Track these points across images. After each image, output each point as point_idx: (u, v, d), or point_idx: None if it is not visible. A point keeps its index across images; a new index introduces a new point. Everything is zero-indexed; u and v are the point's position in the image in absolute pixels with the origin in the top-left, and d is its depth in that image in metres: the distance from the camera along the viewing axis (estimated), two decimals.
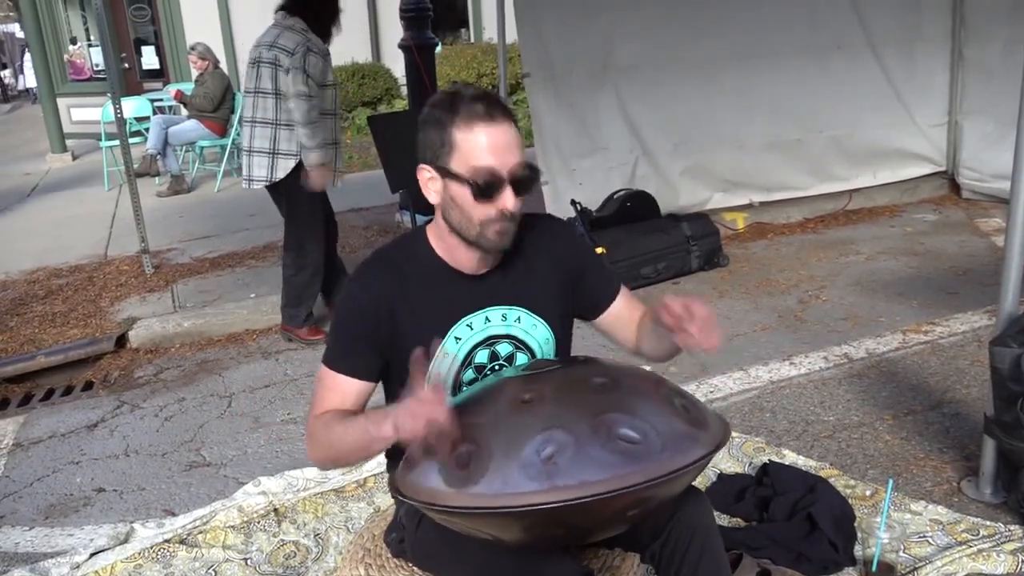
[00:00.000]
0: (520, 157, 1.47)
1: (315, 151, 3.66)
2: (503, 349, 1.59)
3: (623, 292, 1.72)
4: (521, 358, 1.61)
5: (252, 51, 3.75)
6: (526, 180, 1.48)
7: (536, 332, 1.62)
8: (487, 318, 1.57)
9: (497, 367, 1.60)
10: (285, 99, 3.63)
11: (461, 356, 1.56)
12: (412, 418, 1.30)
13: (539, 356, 1.62)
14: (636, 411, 1.29)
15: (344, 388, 1.54)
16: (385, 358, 1.57)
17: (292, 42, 3.60)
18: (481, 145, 1.43)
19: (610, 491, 1.20)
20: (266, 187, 3.85)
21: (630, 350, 1.72)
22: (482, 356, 1.58)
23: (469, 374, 1.58)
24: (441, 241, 1.57)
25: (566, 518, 1.26)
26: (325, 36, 3.75)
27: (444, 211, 1.51)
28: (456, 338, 1.55)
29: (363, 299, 1.54)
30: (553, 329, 1.64)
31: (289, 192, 3.83)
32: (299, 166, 3.74)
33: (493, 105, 1.45)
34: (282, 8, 3.75)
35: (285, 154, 3.71)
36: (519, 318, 1.60)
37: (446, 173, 1.46)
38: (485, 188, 1.44)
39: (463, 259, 1.56)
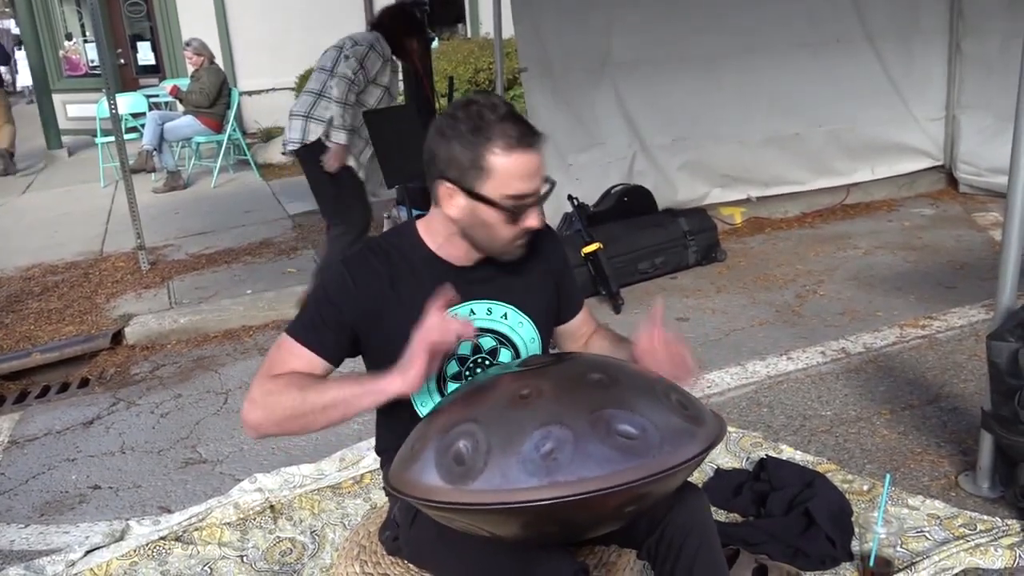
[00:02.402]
0: (544, 173, 1.49)
1: (342, 132, 3.95)
2: (486, 343, 1.60)
3: (584, 307, 1.79)
4: (504, 354, 1.61)
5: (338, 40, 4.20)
6: (546, 195, 1.51)
7: (522, 330, 1.63)
8: (472, 310, 1.58)
9: (480, 360, 1.60)
10: (332, 77, 4.00)
11: None
12: (439, 332, 1.37)
13: (523, 353, 1.63)
14: (634, 407, 1.28)
15: (308, 358, 1.52)
16: (362, 347, 1.57)
17: (363, 38, 4.08)
18: (519, 174, 1.44)
19: (610, 486, 1.19)
20: (296, 154, 4.09)
21: None
22: (465, 348, 1.58)
23: (452, 366, 1.58)
24: (431, 233, 1.57)
25: (565, 514, 1.25)
26: (395, 48, 4.15)
27: (465, 227, 1.51)
28: None
29: (349, 286, 1.53)
30: (539, 328, 1.65)
31: (314, 170, 4.06)
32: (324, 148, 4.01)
33: (527, 130, 1.45)
34: (369, 23, 4.38)
35: (318, 120, 4.00)
36: (505, 314, 1.61)
37: (476, 196, 1.46)
38: (518, 214, 1.47)
39: (453, 251, 1.56)
